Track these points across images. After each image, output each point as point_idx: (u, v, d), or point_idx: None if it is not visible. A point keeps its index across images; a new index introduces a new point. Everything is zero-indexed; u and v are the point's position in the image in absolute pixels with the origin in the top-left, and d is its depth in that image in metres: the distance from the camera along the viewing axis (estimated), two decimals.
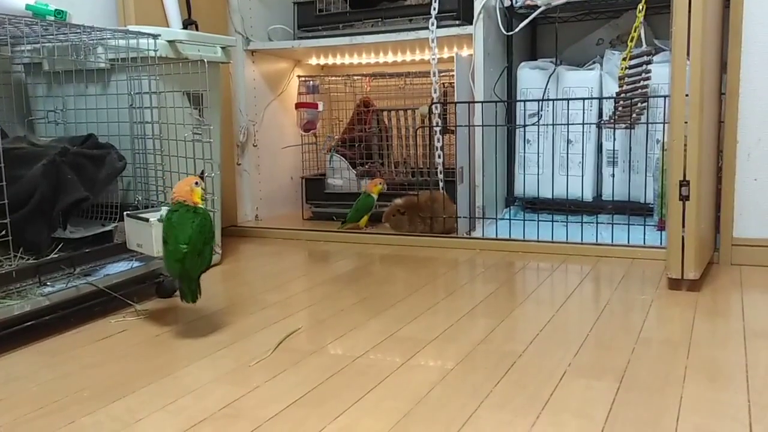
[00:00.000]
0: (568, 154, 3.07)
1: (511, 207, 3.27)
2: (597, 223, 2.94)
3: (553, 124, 3.07)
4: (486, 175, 3.01)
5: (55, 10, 2.09)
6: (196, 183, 1.89)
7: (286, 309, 2.10)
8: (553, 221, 2.93)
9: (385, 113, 3.48)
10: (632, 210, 2.95)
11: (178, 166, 2.37)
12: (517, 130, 3.19)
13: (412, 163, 3.45)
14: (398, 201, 3.05)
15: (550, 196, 3.10)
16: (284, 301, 2.19)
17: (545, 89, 3.08)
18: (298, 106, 3.57)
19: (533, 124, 3.11)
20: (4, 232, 1.81)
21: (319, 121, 3.59)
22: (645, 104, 2.80)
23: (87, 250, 2.07)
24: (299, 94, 3.63)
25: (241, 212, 3.51)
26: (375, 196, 3.11)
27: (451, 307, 2.07)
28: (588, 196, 3.12)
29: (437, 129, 3.07)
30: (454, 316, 1.99)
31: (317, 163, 3.67)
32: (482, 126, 2.94)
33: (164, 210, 2.10)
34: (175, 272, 1.85)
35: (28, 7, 2.06)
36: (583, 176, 3.03)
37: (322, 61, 3.78)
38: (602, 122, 2.96)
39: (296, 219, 3.57)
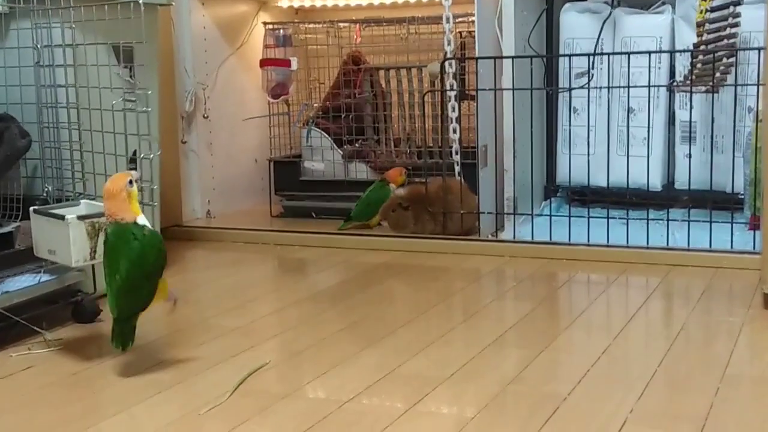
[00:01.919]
0: (628, 127, 3.08)
1: (552, 199, 3.30)
2: (668, 220, 2.93)
3: (608, 87, 3.07)
4: (518, 156, 3.01)
5: None
6: (131, 182, 1.90)
7: (249, 337, 2.13)
8: (608, 218, 2.91)
9: (381, 73, 3.49)
10: (715, 203, 2.97)
11: (103, 145, 2.37)
12: (560, 96, 3.20)
13: (418, 141, 3.44)
14: (400, 192, 3.09)
15: (604, 185, 3.10)
16: (246, 327, 2.21)
17: (598, 40, 3.13)
18: (264, 63, 3.59)
19: (581, 87, 3.11)
20: None
21: (293, 83, 3.59)
22: (732, 59, 2.83)
23: None
24: (266, 47, 3.63)
25: (188, 207, 3.52)
26: (395, 187, 3.17)
27: (471, 335, 2.10)
28: (656, 184, 3.15)
29: (452, 94, 3.08)
30: (475, 346, 2.01)
31: (290, 141, 3.66)
32: (512, 90, 2.95)
33: (86, 205, 2.11)
34: (111, 307, 1.91)
35: None
36: (649, 157, 3.01)
37: (297, 2, 3.79)
38: (675, 84, 3.00)
39: (262, 216, 3.57)
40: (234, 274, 2.77)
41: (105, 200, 1.90)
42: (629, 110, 3.11)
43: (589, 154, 3.06)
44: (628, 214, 2.94)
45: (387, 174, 3.26)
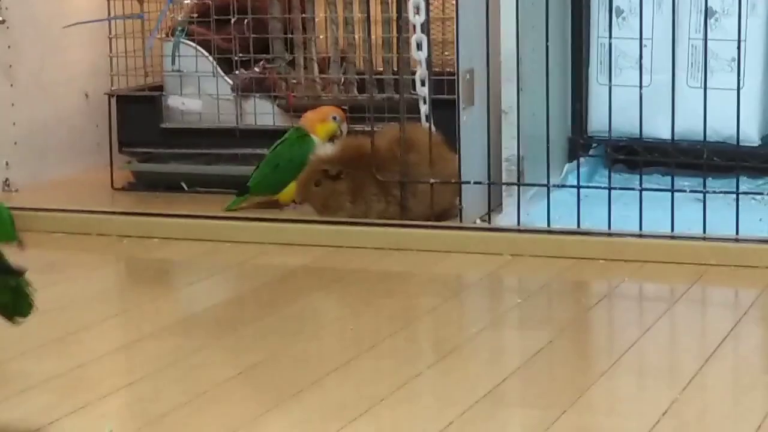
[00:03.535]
0: (706, 43, 2.84)
1: (582, 160, 3.08)
2: None
3: None
4: (526, 89, 2.86)
5: None
6: None
7: (77, 392, 1.90)
8: (673, 191, 2.68)
9: None
10: None
11: None
12: None
13: (358, 63, 3.29)
14: (326, 149, 2.94)
15: (666, 136, 2.86)
16: (72, 375, 1.99)
17: None
18: None
19: None
20: None
21: None
22: None
23: None
24: None
25: None
26: (320, 141, 3.02)
27: (447, 386, 1.95)
28: (751, 136, 2.94)
29: None
30: (454, 405, 1.83)
31: (144, 63, 3.40)
32: None
33: None
34: None
35: None
36: (740, 92, 2.76)
37: None
38: None
39: (97, 189, 3.32)
40: (51, 287, 2.49)
41: None
42: (708, 13, 2.87)
43: (641, 86, 2.84)
44: (705, 184, 2.75)
45: (306, 118, 3.05)
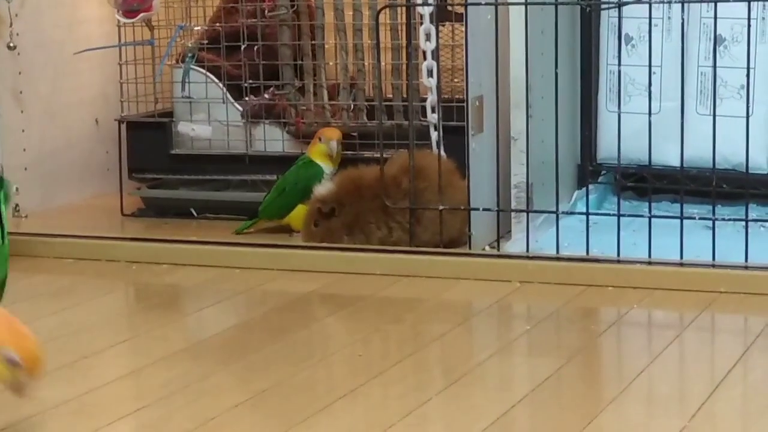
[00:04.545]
0: (715, 70, 2.84)
1: (591, 187, 3.10)
2: None
3: (683, 0, 2.85)
4: (535, 116, 2.87)
5: None
6: None
7: (85, 418, 1.92)
8: (682, 218, 2.70)
9: None
10: None
11: None
12: (604, 15, 3.11)
13: (368, 91, 3.28)
14: (320, 189, 2.93)
15: (675, 163, 2.88)
16: (81, 401, 2.00)
17: None
18: None
19: (638, 2, 2.94)
20: None
21: None
22: None
23: None
24: None
25: None
26: (325, 168, 3.01)
27: (455, 413, 1.94)
28: (760, 163, 2.96)
29: (425, 11, 2.91)
30: (464, 430, 1.85)
31: (155, 90, 3.38)
32: (525, 4, 2.80)
33: None
34: None
35: None
36: (748, 120, 2.74)
37: None
38: None
39: (106, 215, 3.35)
40: (60, 313, 2.55)
41: None
42: (717, 40, 2.88)
43: (650, 113, 2.83)
44: (714, 211, 2.75)
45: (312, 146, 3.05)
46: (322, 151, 3.02)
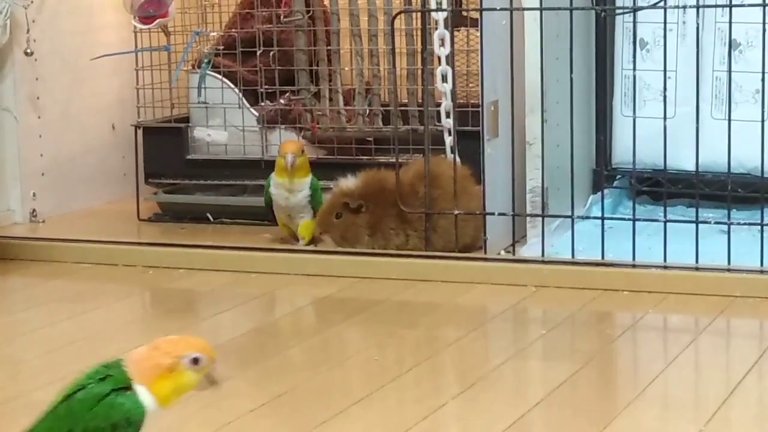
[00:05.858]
0: (730, 75, 2.86)
1: (607, 192, 3.11)
2: None
3: (697, 6, 2.85)
4: (550, 121, 2.91)
5: None
6: None
7: None
8: (697, 222, 2.73)
9: None
10: None
11: None
12: (619, 21, 3.15)
13: (383, 96, 3.32)
14: (346, 183, 2.95)
15: (690, 168, 2.92)
16: None
17: None
18: None
19: (654, 6, 2.93)
20: None
21: None
22: None
23: None
24: None
25: (1, 204, 3.39)
26: (281, 181, 2.99)
27: (471, 417, 1.98)
28: None
29: (439, 17, 2.94)
30: None
31: (171, 95, 3.43)
32: (540, 10, 2.82)
33: None
34: None
35: None
36: (763, 124, 2.77)
37: None
38: None
39: (123, 220, 3.39)
40: (77, 317, 2.62)
41: None
42: (732, 45, 2.89)
43: (665, 118, 2.85)
44: (729, 216, 2.79)
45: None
46: (280, 165, 3.00)
